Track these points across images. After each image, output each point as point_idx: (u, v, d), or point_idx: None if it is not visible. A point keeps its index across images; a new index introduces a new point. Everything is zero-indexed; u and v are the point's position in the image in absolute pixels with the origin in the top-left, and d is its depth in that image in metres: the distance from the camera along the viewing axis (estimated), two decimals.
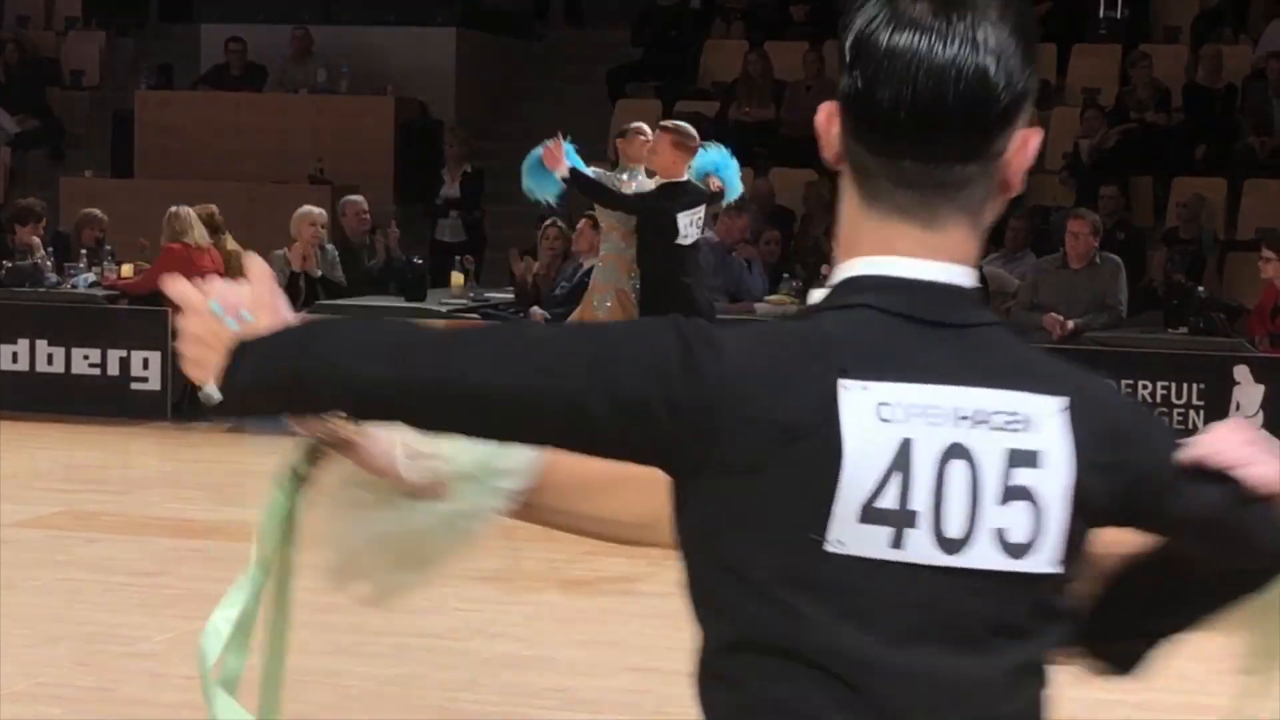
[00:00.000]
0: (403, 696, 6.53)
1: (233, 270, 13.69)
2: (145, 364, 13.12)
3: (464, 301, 13.25)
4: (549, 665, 6.98)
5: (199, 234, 13.56)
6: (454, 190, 16.72)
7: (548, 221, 13.86)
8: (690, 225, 10.35)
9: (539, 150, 10.41)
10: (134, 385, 13.09)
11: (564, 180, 10.32)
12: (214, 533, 9.46)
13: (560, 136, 10.43)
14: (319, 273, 13.52)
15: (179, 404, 13.23)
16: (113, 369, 13.13)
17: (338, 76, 18.01)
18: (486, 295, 13.62)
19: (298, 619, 7.26)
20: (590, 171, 10.66)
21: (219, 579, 7.98)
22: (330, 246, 13.72)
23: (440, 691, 6.59)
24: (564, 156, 10.30)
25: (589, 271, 13.19)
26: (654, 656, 7.13)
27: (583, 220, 13.29)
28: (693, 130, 10.75)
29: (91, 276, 13.60)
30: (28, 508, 9.87)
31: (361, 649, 7.11)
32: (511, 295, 13.54)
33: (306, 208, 13.79)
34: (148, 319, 13.23)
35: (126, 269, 13.65)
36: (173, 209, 13.59)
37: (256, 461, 12.17)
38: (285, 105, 17.86)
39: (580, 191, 10.69)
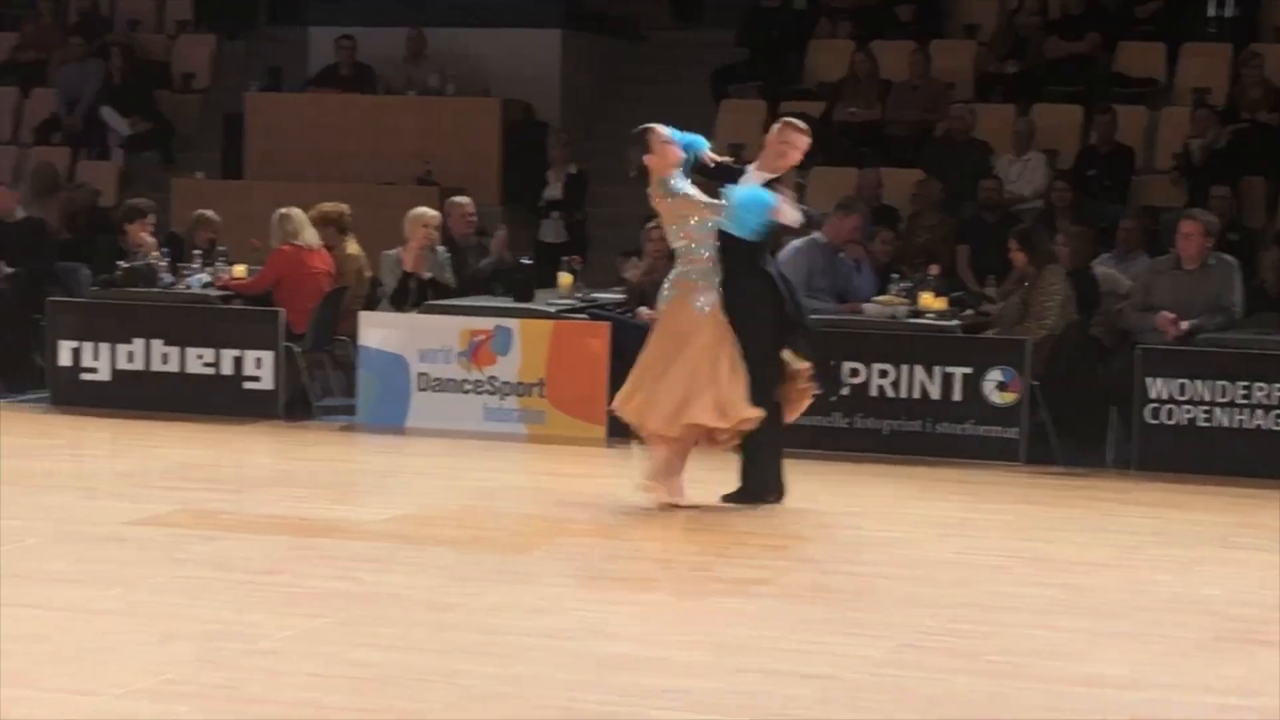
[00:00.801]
0: (522, 696, 6.56)
1: (349, 274, 13.81)
2: (258, 363, 13.24)
3: (572, 302, 13.30)
4: (667, 666, 6.99)
5: (310, 235, 13.69)
6: (557, 191, 16.78)
7: (651, 223, 13.88)
8: None
9: (763, 201, 10.10)
10: (246, 384, 13.21)
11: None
12: (329, 531, 9.54)
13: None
14: (429, 274, 13.60)
15: (290, 403, 13.37)
16: (226, 368, 13.26)
17: (445, 79, 18.11)
18: (594, 295, 13.65)
19: (417, 619, 7.39)
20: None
21: (336, 576, 8.14)
22: (440, 248, 13.80)
23: (559, 691, 6.62)
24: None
25: None
26: (773, 658, 7.14)
27: None
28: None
29: (205, 277, 13.73)
30: (145, 506, 9.99)
31: (481, 648, 7.15)
32: (620, 296, 13.57)
33: (420, 209, 13.86)
34: (260, 319, 13.36)
35: (239, 269, 13.78)
36: (284, 210, 13.72)
37: (367, 460, 12.29)
38: (393, 107, 17.98)
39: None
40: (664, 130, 10.33)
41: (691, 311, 10.18)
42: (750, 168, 10.50)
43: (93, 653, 6.95)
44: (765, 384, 10.16)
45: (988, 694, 6.75)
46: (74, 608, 7.66)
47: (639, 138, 10.33)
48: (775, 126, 10.56)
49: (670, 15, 19.91)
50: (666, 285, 10.39)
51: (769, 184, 10.27)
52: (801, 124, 10.50)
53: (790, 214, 10.19)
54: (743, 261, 10.16)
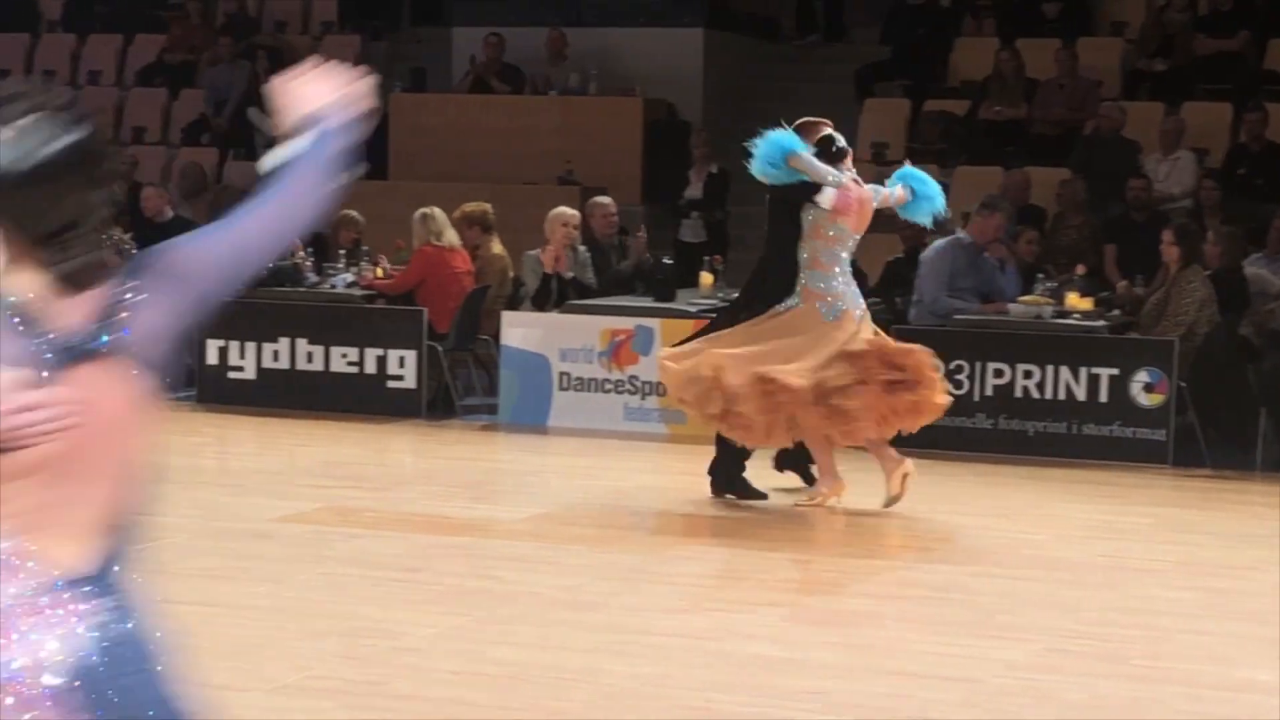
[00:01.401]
0: (661, 696, 6.57)
1: (492, 273, 13.88)
2: (401, 362, 13.34)
3: (713, 301, 13.27)
4: (804, 668, 6.97)
5: (451, 235, 13.77)
6: (698, 191, 16.77)
7: None
8: None
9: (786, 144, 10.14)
10: (390, 383, 13.32)
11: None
12: (471, 529, 9.60)
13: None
14: (570, 274, 13.64)
15: (433, 402, 13.46)
16: (370, 367, 13.37)
17: (587, 78, 18.16)
18: (735, 295, 13.61)
19: (558, 618, 7.40)
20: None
21: (478, 575, 8.18)
22: (581, 248, 13.83)
23: (698, 692, 6.62)
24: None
25: None
26: (910, 660, 7.10)
27: None
28: None
29: (349, 277, 13.86)
30: (290, 503, 10.10)
31: (620, 648, 7.17)
32: None
33: (560, 209, 13.90)
34: (404, 318, 13.46)
35: (382, 269, 13.89)
36: (426, 210, 13.81)
37: (508, 459, 12.34)
38: (535, 107, 18.05)
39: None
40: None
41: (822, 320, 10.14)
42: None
43: (241, 649, 7.04)
44: None
45: (1132, 699, 6.68)
46: (222, 603, 7.76)
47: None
48: None
49: (814, 17, 19.82)
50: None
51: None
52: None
53: (812, 167, 9.92)
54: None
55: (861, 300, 10.24)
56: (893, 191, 10.41)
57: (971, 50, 17.89)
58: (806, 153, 9.99)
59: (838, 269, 10.09)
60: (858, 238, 10.22)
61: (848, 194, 9.99)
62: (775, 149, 9.98)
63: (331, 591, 8.08)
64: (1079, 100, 16.83)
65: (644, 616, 7.76)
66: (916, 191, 10.46)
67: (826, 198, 9.94)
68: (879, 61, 18.17)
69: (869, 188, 10.34)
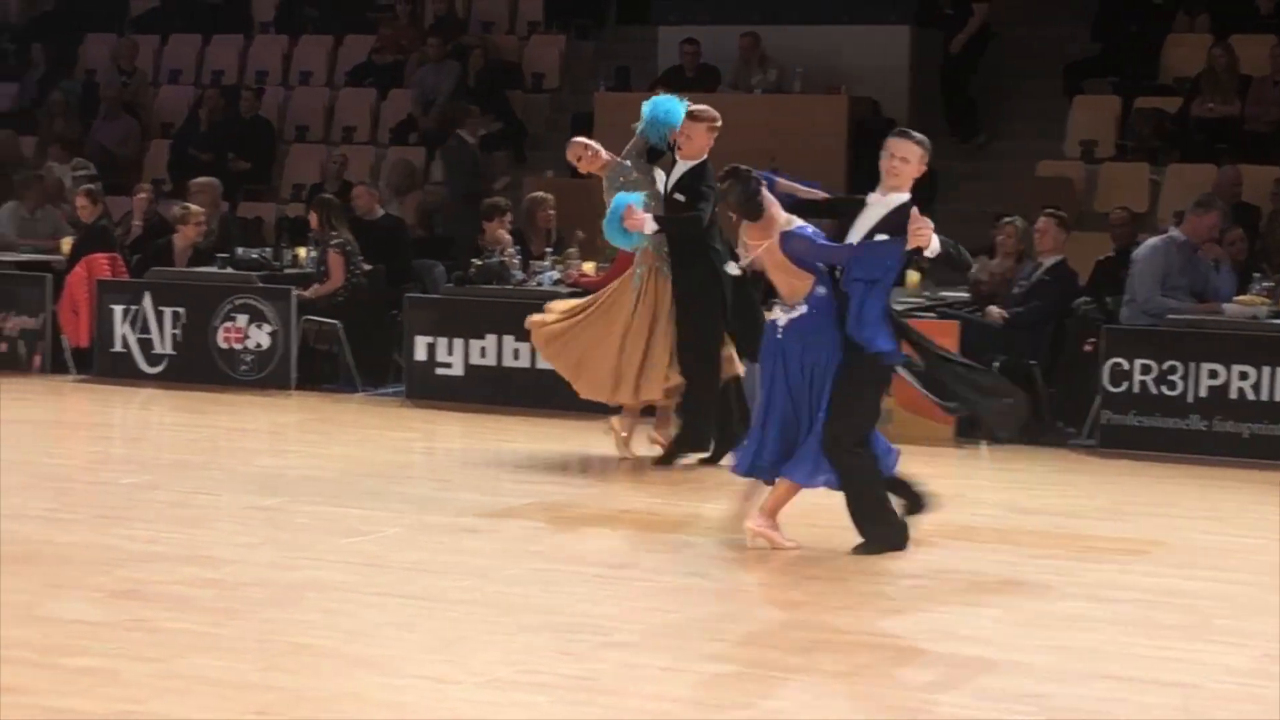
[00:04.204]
0: (877, 696, 6.52)
1: None
2: None
3: (920, 300, 13.18)
4: (1022, 670, 6.88)
5: None
6: None
7: (1005, 220, 13.72)
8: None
9: (619, 211, 10.64)
10: None
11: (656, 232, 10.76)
12: (678, 526, 9.60)
13: (630, 206, 10.68)
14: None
15: None
16: None
17: (790, 76, 18.10)
18: (942, 294, 13.52)
19: (766, 615, 7.36)
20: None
21: (688, 572, 8.17)
22: None
23: (914, 693, 6.56)
24: (643, 218, 10.62)
25: (1049, 269, 13.02)
26: (1129, 664, 6.99)
27: (1043, 219, 13.09)
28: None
29: (556, 274, 13.92)
30: (500, 499, 10.17)
31: (832, 647, 7.12)
32: (967, 294, 13.41)
33: None
34: None
35: (588, 267, 13.94)
36: None
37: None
38: (739, 105, 17.98)
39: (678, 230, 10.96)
40: None
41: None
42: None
43: (452, 642, 7.09)
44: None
45: None
46: (433, 597, 7.83)
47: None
48: None
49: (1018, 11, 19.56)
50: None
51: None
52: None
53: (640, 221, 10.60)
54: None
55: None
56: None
57: (1183, 46, 17.58)
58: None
59: None
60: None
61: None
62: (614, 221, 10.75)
63: (540, 586, 8.12)
64: None
65: (855, 615, 7.70)
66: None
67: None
68: (1089, 57, 17.91)
69: None
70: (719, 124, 11.07)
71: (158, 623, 7.20)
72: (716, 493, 10.95)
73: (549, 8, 20.63)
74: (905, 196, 8.97)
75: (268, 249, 15.71)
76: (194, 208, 15.48)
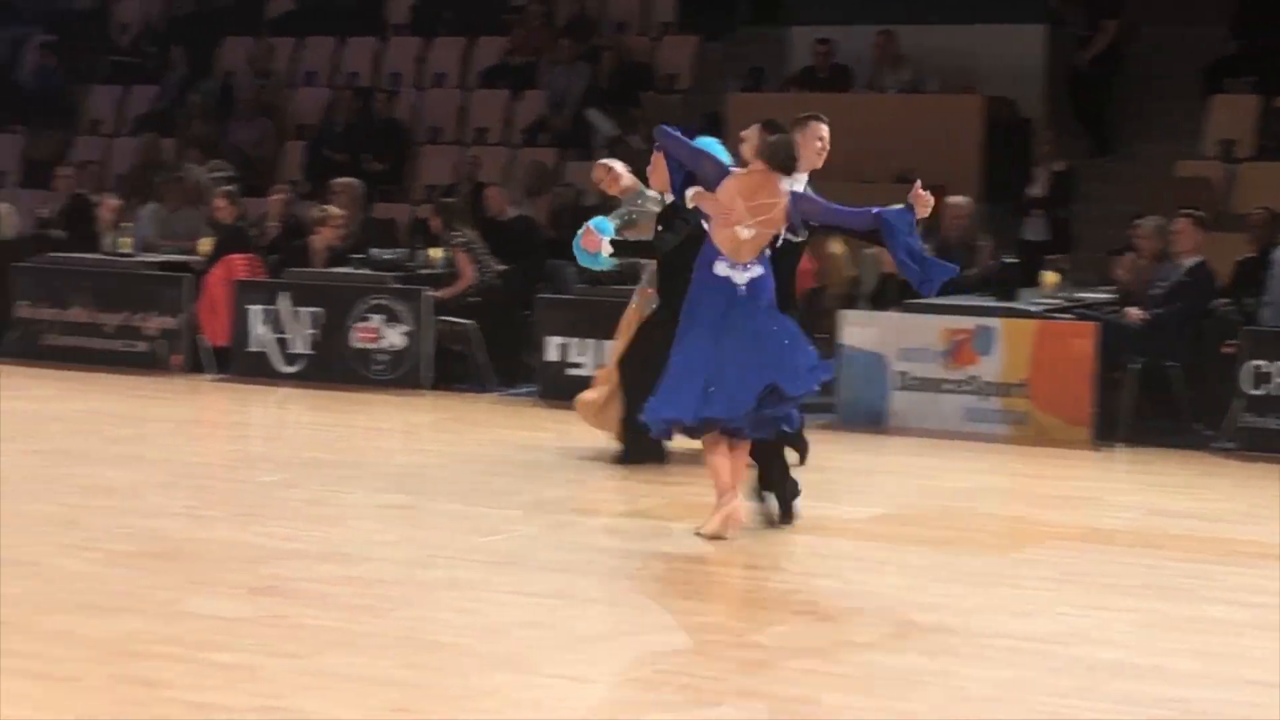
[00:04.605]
0: (1013, 699, 6.47)
1: (831, 272, 13.85)
2: None
3: (1058, 301, 13.07)
4: (1162, 675, 6.81)
5: None
6: (1040, 189, 16.51)
7: (1143, 221, 13.58)
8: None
9: (580, 236, 10.11)
10: None
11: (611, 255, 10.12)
12: (811, 528, 9.55)
13: (587, 226, 10.10)
14: None
15: None
16: None
17: (925, 76, 18.00)
18: (1079, 295, 13.40)
19: (903, 619, 7.26)
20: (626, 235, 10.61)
21: (820, 574, 8.08)
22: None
23: (1051, 697, 6.50)
24: (600, 239, 9.94)
25: (1188, 270, 12.87)
26: (1271, 669, 6.90)
27: (1181, 220, 12.95)
28: None
29: None
30: (634, 500, 10.20)
31: (968, 650, 7.08)
32: (1106, 296, 13.29)
33: None
34: None
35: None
36: None
37: (846, 458, 12.29)
38: (873, 105, 17.95)
39: (632, 256, 10.63)
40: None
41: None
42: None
43: (587, 641, 7.11)
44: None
45: None
46: (568, 595, 7.85)
47: None
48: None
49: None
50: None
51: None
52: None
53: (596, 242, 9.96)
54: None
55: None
56: None
57: None
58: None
59: None
60: None
61: None
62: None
63: (676, 585, 8.13)
64: None
65: (990, 619, 7.65)
66: None
67: None
68: (1227, 57, 17.68)
69: None
70: None
71: (297, 619, 7.27)
72: (850, 496, 10.92)
73: (681, 8, 20.64)
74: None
75: (402, 250, 15.83)
76: (333, 210, 15.62)
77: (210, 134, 20.02)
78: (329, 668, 6.58)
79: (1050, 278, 13.22)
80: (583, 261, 10.23)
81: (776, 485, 9.48)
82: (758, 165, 8.95)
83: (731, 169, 9.11)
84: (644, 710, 6.27)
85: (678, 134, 9.31)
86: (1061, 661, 6.96)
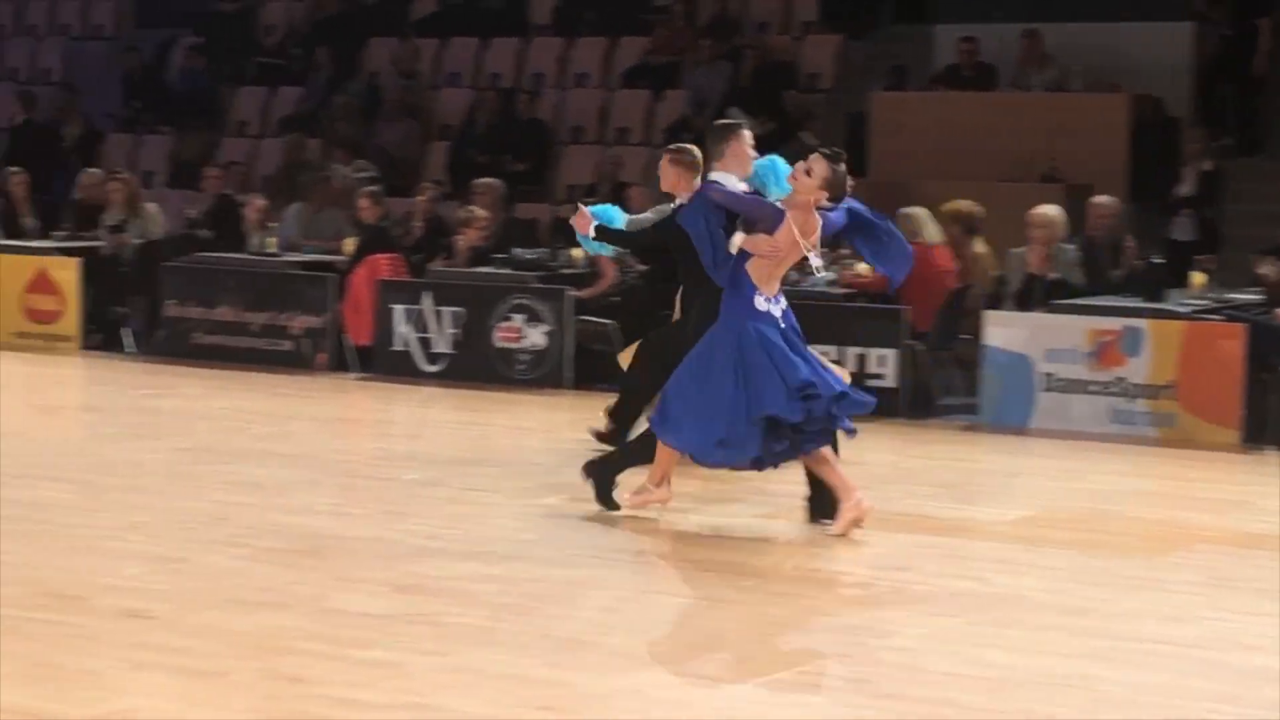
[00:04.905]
0: (1160, 705, 6.39)
1: (976, 273, 13.75)
2: (881, 361, 13.33)
3: (1205, 302, 12.90)
4: None
5: (930, 233, 13.70)
6: (1189, 188, 16.31)
7: None
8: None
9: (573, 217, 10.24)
10: (869, 382, 13.25)
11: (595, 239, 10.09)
12: (954, 530, 9.51)
13: (580, 206, 10.18)
14: (1054, 275, 13.39)
15: (913, 401, 13.39)
16: (849, 365, 13.33)
17: (1070, 74, 17.84)
18: (1228, 295, 13.21)
19: (1047, 621, 7.18)
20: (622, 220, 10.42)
21: (963, 576, 8.07)
22: (1069, 247, 13.56)
23: (1199, 702, 6.42)
24: (588, 222, 9.97)
25: None
26: None
27: None
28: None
29: (830, 275, 13.85)
30: (776, 499, 10.14)
31: (1114, 654, 7.00)
32: (1254, 296, 13.09)
33: (1040, 209, 13.67)
34: (884, 317, 13.44)
35: (862, 268, 13.86)
36: (905, 210, 13.74)
37: (990, 459, 12.20)
38: (1018, 104, 17.81)
39: (614, 245, 10.54)
40: None
41: None
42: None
43: (729, 641, 7.11)
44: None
45: None
46: (711, 596, 7.86)
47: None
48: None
49: None
50: None
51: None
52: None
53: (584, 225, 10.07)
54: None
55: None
56: None
57: None
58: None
59: None
60: None
61: None
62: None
63: (819, 587, 8.10)
64: None
65: (1137, 623, 7.56)
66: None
67: None
68: None
69: None
70: (688, 159, 10.72)
71: (440, 617, 7.32)
72: (994, 497, 10.84)
73: (824, 7, 20.56)
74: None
75: (544, 250, 15.89)
76: (478, 211, 15.71)
77: (355, 135, 20.20)
78: (472, 665, 6.62)
79: (1198, 278, 13.05)
80: (587, 245, 10.38)
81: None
82: (818, 196, 9.07)
83: (781, 205, 9.15)
84: (785, 710, 6.26)
85: (724, 187, 9.48)
86: (1210, 667, 6.87)
